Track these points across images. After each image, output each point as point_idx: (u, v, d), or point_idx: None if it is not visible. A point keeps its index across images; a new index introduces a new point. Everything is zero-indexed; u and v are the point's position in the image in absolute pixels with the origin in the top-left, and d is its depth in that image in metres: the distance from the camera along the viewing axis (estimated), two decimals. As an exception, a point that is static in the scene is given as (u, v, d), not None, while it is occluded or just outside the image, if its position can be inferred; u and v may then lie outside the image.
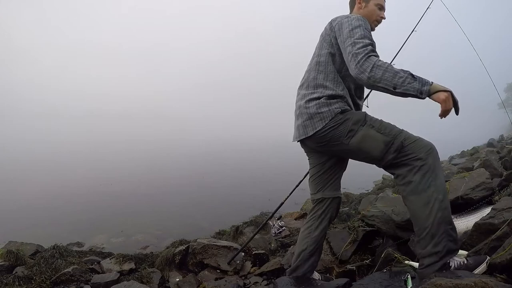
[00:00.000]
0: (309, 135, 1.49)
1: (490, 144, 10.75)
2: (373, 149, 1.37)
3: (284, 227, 3.16)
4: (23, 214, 6.18)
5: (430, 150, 1.29)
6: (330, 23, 1.52)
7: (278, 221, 3.30)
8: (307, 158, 1.75)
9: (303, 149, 1.72)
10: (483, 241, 1.47)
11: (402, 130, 1.39)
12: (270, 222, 3.15)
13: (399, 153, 1.32)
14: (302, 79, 1.63)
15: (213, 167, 13.85)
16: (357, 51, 1.30)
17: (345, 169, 1.71)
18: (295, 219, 4.05)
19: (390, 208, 2.15)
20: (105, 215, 6.23)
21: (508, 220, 1.43)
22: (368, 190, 6.65)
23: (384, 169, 1.45)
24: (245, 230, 3.88)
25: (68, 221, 5.76)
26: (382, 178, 7.93)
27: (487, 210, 1.83)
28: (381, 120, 1.42)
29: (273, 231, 3.13)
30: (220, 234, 3.90)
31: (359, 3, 1.60)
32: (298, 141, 1.67)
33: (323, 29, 1.57)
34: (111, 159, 16.27)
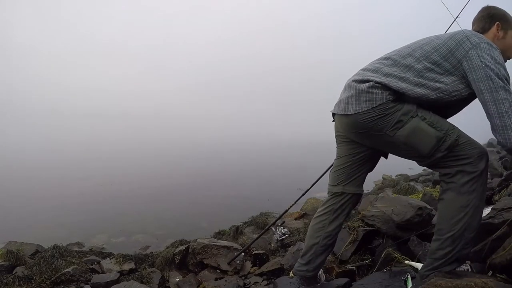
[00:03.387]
0: (348, 113, 1.31)
1: (490, 144, 10.76)
2: (422, 144, 1.22)
3: (286, 235, 3.09)
4: (23, 214, 6.18)
5: (482, 154, 1.20)
6: (463, 42, 1.20)
7: (281, 227, 3.26)
8: (336, 145, 1.59)
9: (335, 131, 1.55)
10: (483, 241, 1.47)
11: (454, 126, 1.25)
12: (272, 228, 3.13)
13: (450, 152, 1.20)
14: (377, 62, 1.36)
15: (213, 167, 13.84)
16: (508, 122, 1.10)
17: (374, 167, 1.56)
18: (295, 219, 4.06)
19: (390, 208, 2.14)
20: (105, 215, 6.23)
21: (508, 220, 1.43)
22: (368, 190, 6.65)
23: (428, 167, 1.34)
24: (245, 230, 3.89)
25: (68, 221, 5.76)
26: (382, 178, 7.94)
27: (487, 210, 1.83)
28: (431, 113, 1.26)
29: (275, 238, 3.08)
30: (220, 234, 3.90)
31: (498, 30, 1.31)
32: (333, 120, 1.52)
33: (448, 32, 1.31)
34: (111, 159, 16.27)
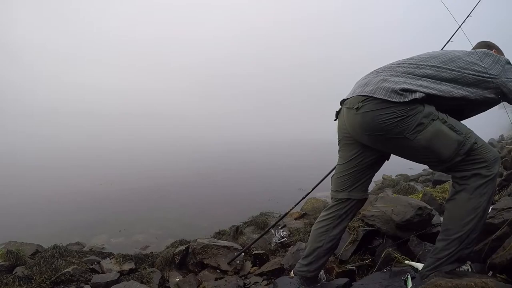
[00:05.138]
0: (375, 96, 1.24)
1: (490, 144, 10.75)
2: (444, 148, 1.20)
3: (285, 238, 3.09)
4: (23, 214, 6.18)
5: (497, 158, 1.22)
6: (497, 60, 1.35)
7: (281, 230, 3.24)
8: (339, 148, 1.54)
9: (340, 133, 1.50)
10: (483, 241, 1.47)
11: (470, 129, 1.27)
12: (272, 230, 3.12)
13: (468, 156, 1.20)
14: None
15: (213, 167, 13.83)
16: None
17: (378, 170, 1.54)
18: (295, 219, 4.06)
19: (390, 208, 2.14)
20: (105, 215, 6.22)
21: (508, 220, 1.43)
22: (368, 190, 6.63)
23: (443, 172, 1.33)
24: (245, 230, 3.88)
25: (68, 221, 5.76)
26: (382, 178, 7.93)
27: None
28: (448, 116, 1.26)
29: (274, 240, 3.07)
30: (220, 234, 3.90)
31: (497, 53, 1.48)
32: (335, 119, 1.50)
33: (469, 51, 1.40)
34: (111, 159, 16.27)
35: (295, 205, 2.58)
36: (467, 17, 1.92)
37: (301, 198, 2.54)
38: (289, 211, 2.64)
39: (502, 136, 16.07)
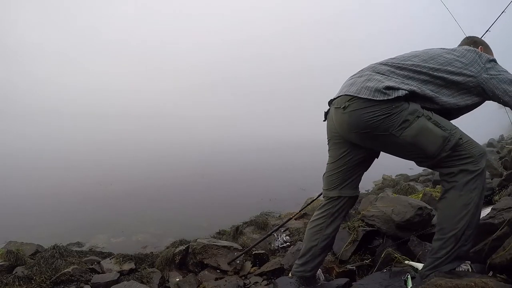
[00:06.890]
0: (360, 96, 1.26)
1: (490, 144, 10.76)
2: (429, 144, 1.22)
3: (288, 243, 3.07)
4: (23, 214, 6.17)
5: (483, 153, 1.24)
6: (480, 56, 1.34)
7: (284, 234, 3.23)
8: (328, 148, 1.56)
9: (329, 132, 1.53)
10: (483, 241, 1.47)
11: (455, 125, 1.28)
12: (274, 234, 3.12)
13: (453, 151, 1.21)
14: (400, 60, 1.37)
15: (213, 167, 13.84)
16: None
17: (368, 168, 1.56)
18: (295, 219, 4.06)
19: (390, 208, 2.15)
20: (105, 215, 6.22)
21: (507, 220, 1.43)
22: (368, 190, 6.65)
23: (429, 168, 1.35)
24: (245, 230, 3.89)
25: (68, 221, 5.76)
26: (382, 178, 7.94)
27: (487, 210, 1.83)
28: (433, 113, 1.28)
29: (277, 244, 3.07)
30: (220, 234, 3.90)
31: (481, 51, 1.47)
32: (324, 120, 1.53)
33: (460, 48, 1.40)
34: (111, 159, 16.27)
35: (300, 211, 2.59)
36: (486, 32, 1.92)
37: (303, 199, 2.55)
38: (293, 217, 2.64)
39: (502, 136, 16.06)
